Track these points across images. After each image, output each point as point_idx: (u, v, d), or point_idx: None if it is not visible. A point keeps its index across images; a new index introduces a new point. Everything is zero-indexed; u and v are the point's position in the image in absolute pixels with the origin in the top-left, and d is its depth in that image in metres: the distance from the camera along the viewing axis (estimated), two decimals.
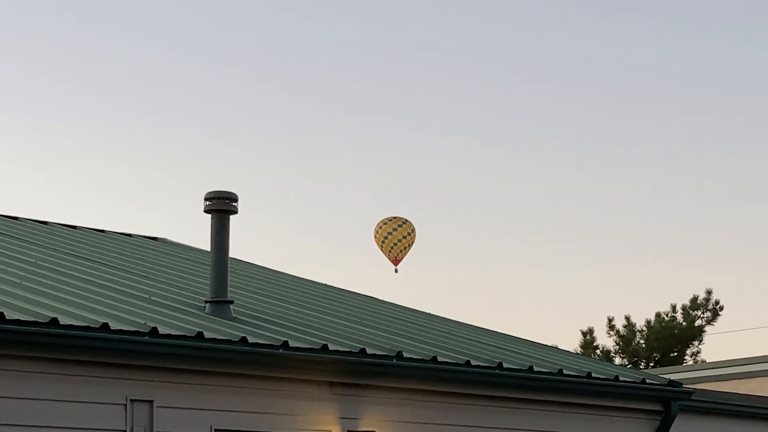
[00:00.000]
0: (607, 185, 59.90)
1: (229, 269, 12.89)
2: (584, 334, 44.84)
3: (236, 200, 12.93)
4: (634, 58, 60.05)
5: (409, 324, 15.76)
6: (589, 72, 59.43)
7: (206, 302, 12.81)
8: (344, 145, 59.75)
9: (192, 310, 12.57)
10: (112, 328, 10.30)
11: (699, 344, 44.20)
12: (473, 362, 13.01)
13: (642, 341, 44.11)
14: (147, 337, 10.46)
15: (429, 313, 17.79)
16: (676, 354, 43.94)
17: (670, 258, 58.98)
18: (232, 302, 12.82)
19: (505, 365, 13.27)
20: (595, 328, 44.92)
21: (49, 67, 55.13)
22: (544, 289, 59.39)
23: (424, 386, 12.63)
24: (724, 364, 24.42)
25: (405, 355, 12.40)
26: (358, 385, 12.08)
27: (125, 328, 10.44)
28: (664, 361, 43.02)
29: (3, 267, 13.10)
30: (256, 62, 58.02)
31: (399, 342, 13.49)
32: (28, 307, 10.51)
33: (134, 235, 19.53)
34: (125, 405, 10.47)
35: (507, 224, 60.35)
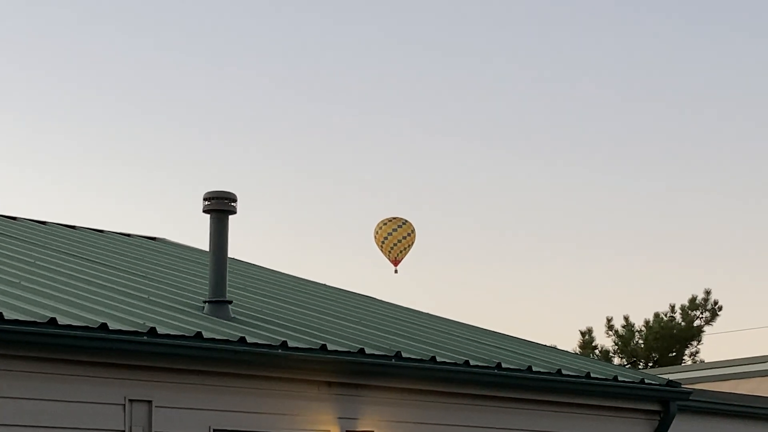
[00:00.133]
0: (606, 185, 59.94)
1: (227, 269, 12.89)
2: (583, 334, 44.85)
3: (235, 200, 12.94)
4: (633, 58, 60.09)
5: (407, 324, 15.76)
6: (588, 72, 59.46)
7: (205, 302, 12.81)
8: (344, 145, 59.79)
9: (191, 310, 12.57)
10: (110, 328, 10.30)
11: (698, 344, 44.24)
12: (472, 362, 13.01)
13: (641, 341, 44.11)
14: (146, 337, 10.46)
15: (428, 313, 17.79)
16: (674, 354, 43.94)
17: (669, 258, 59.03)
18: (230, 302, 12.82)
19: (503, 365, 13.27)
20: (593, 328, 44.96)
21: (48, 66, 55.14)
22: (542, 289, 59.43)
23: (422, 386, 12.63)
24: (723, 364, 24.42)
25: (404, 355, 12.40)
26: (356, 385, 12.08)
27: (124, 328, 10.44)
28: (662, 361, 43.03)
29: (2, 267, 13.09)
30: (255, 62, 58.04)
31: (398, 342, 13.49)
32: (26, 307, 10.50)
33: (133, 235, 19.53)
34: (124, 405, 10.47)
35: (506, 224, 60.38)
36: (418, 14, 57.58)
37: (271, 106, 58.72)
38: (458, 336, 15.64)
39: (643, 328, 44.23)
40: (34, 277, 12.65)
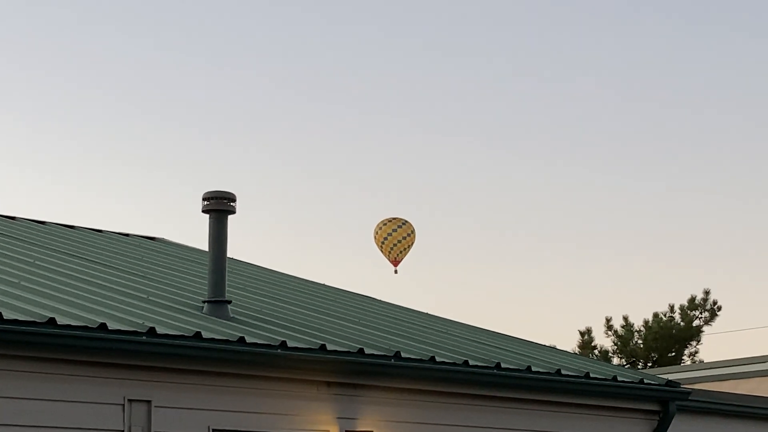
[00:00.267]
0: (606, 185, 59.94)
1: (227, 269, 12.89)
2: (582, 334, 44.85)
3: (234, 200, 12.94)
4: (633, 58, 60.09)
5: (407, 324, 15.76)
6: (588, 72, 59.46)
7: (204, 302, 12.81)
8: (344, 145, 59.78)
9: (190, 310, 12.57)
10: (109, 328, 10.29)
11: (697, 344, 44.24)
12: (471, 362, 13.01)
13: (640, 341, 44.11)
14: (145, 337, 10.45)
15: (427, 313, 17.79)
16: (674, 354, 43.94)
17: (668, 258, 59.03)
18: (230, 302, 12.82)
19: (503, 365, 13.27)
20: (593, 329, 44.97)
21: (48, 66, 55.13)
22: (542, 289, 59.43)
23: (422, 386, 12.63)
24: (722, 364, 24.42)
25: (403, 355, 12.39)
26: (355, 385, 12.08)
27: (123, 328, 10.44)
28: (662, 361, 43.03)
29: (1, 267, 13.09)
30: (255, 62, 58.03)
31: (397, 342, 13.49)
32: (25, 307, 10.50)
33: (132, 235, 19.52)
34: (123, 405, 10.47)
35: (505, 224, 60.38)
36: (418, 14, 57.60)
37: (271, 106, 58.75)
38: (457, 336, 15.64)
39: (642, 328, 44.24)
40: (34, 277, 12.65)
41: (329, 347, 11.78)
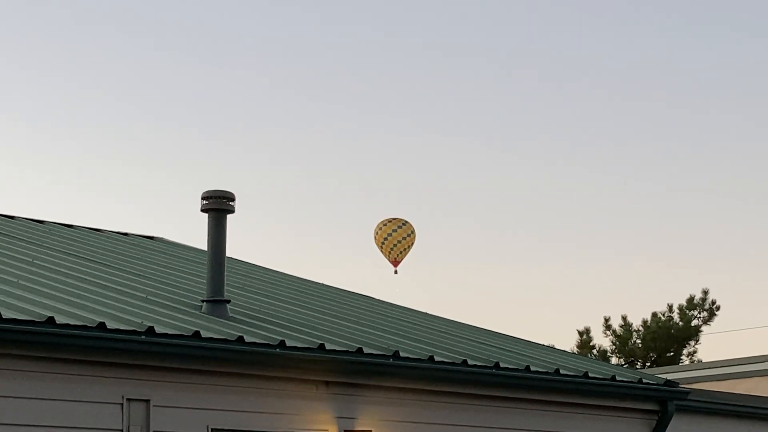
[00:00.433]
0: (605, 186, 59.95)
1: (225, 268, 12.88)
2: (581, 333, 44.85)
3: (233, 199, 12.93)
4: (633, 58, 60.09)
5: (405, 323, 15.76)
6: (587, 72, 59.46)
7: (203, 301, 12.80)
8: (344, 145, 59.77)
9: (189, 310, 12.56)
10: (108, 327, 10.29)
11: (695, 344, 44.24)
12: (470, 362, 13.01)
13: (638, 341, 44.11)
14: (144, 337, 10.45)
15: (426, 313, 17.79)
16: (672, 354, 43.94)
17: (667, 258, 59.03)
18: (228, 301, 12.82)
19: (501, 365, 13.27)
20: (591, 328, 44.96)
21: (47, 66, 55.11)
22: (540, 288, 59.44)
23: (420, 386, 12.63)
24: (721, 364, 24.43)
25: (402, 354, 12.39)
26: (354, 385, 12.08)
27: (122, 327, 10.44)
28: (660, 361, 43.03)
29: (0, 266, 13.08)
30: (254, 61, 58.02)
31: (396, 341, 13.49)
32: (24, 306, 10.50)
33: (131, 234, 19.52)
34: (122, 404, 10.46)
35: (505, 224, 60.38)
36: (418, 14, 57.59)
37: (271, 106, 58.74)
38: (456, 335, 15.64)
39: (640, 328, 44.24)
40: (32, 276, 12.64)
41: (328, 347, 11.78)
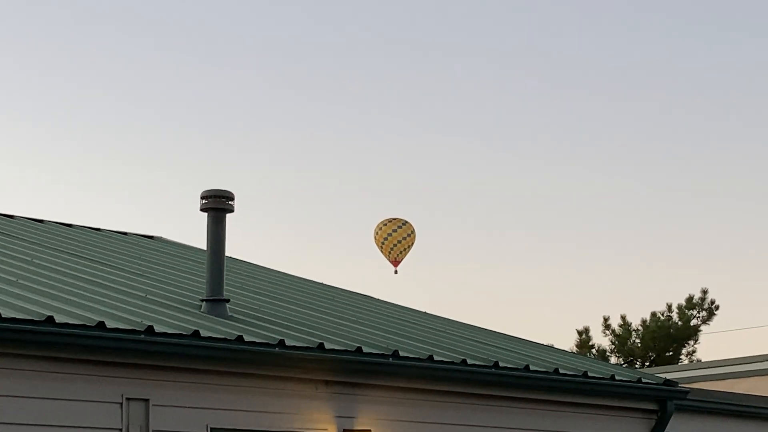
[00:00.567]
0: (604, 185, 59.96)
1: (225, 268, 12.89)
2: (580, 333, 44.86)
3: (232, 199, 12.94)
4: (631, 58, 60.09)
5: (405, 323, 15.76)
6: (587, 72, 59.47)
7: (202, 301, 12.81)
8: (343, 145, 59.76)
9: (188, 309, 12.57)
10: (108, 326, 10.29)
11: (694, 344, 44.25)
12: (469, 361, 13.01)
13: (638, 340, 44.12)
14: (143, 336, 10.46)
15: (425, 312, 17.79)
16: (671, 353, 43.96)
17: (666, 257, 59.04)
18: (228, 301, 12.82)
19: (501, 364, 13.27)
20: (590, 328, 44.98)
21: (46, 66, 55.11)
22: (540, 288, 59.44)
23: (420, 385, 12.63)
24: (720, 363, 24.43)
25: (401, 354, 12.40)
26: (354, 384, 12.08)
27: (121, 327, 10.44)
28: (659, 361, 43.04)
29: None
30: (253, 61, 58.02)
31: (395, 341, 13.49)
32: (24, 306, 10.50)
33: (130, 233, 19.52)
34: (121, 403, 10.47)
35: (504, 224, 60.38)
36: (418, 14, 57.60)
37: (270, 105, 58.75)
38: (456, 335, 15.64)
39: (640, 328, 44.25)
40: (32, 276, 12.65)
41: (327, 346, 11.78)
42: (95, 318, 10.47)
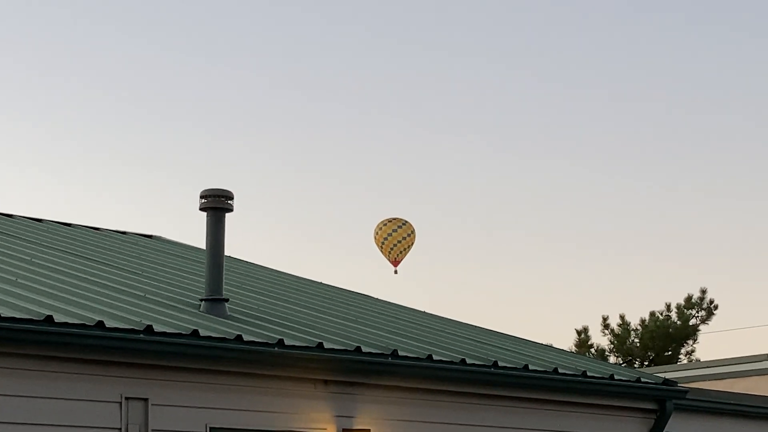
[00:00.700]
0: (603, 185, 59.96)
1: (224, 267, 12.89)
2: (579, 333, 44.87)
3: (231, 198, 12.94)
4: (633, 59, 60.10)
5: (404, 322, 15.76)
6: (586, 72, 59.48)
7: (201, 300, 12.81)
8: (343, 145, 59.76)
9: (187, 308, 12.57)
10: (107, 326, 10.29)
11: (693, 343, 44.26)
12: (468, 361, 13.02)
13: (637, 340, 44.14)
14: (142, 335, 10.46)
15: (424, 312, 17.79)
16: (670, 353, 43.98)
17: (665, 257, 59.05)
18: (227, 300, 12.82)
19: (500, 364, 13.28)
20: (590, 327, 44.99)
21: (45, 65, 55.10)
22: (539, 288, 59.44)
23: (419, 385, 12.63)
24: (719, 363, 24.43)
25: (400, 353, 12.40)
26: (353, 384, 12.08)
27: (120, 326, 10.44)
28: (658, 360, 43.06)
29: None
30: (253, 60, 58.01)
31: (394, 340, 13.49)
32: (23, 305, 10.50)
33: (129, 232, 19.51)
34: (120, 403, 10.47)
35: (503, 224, 60.39)
36: (418, 14, 57.60)
37: (270, 105, 58.74)
38: (455, 334, 15.64)
39: (639, 327, 44.26)
40: (31, 275, 12.65)
41: (326, 345, 11.78)
42: (94, 317, 10.47)
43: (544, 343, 18.13)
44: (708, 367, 24.54)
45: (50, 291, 11.79)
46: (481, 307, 57.22)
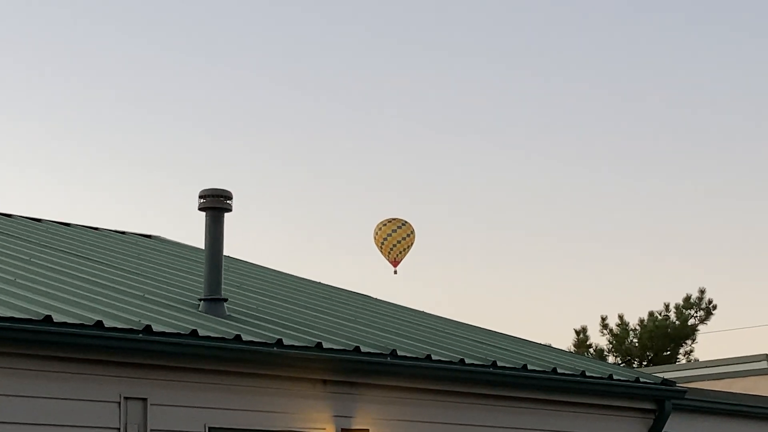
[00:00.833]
0: (602, 185, 59.98)
1: (223, 267, 12.88)
2: (578, 332, 44.89)
3: (230, 198, 12.94)
4: (633, 58, 60.11)
5: (403, 322, 15.77)
6: (586, 72, 59.49)
7: (200, 300, 12.81)
8: (343, 145, 59.75)
9: (186, 308, 12.57)
10: (106, 325, 10.29)
11: (692, 343, 44.29)
12: (467, 361, 13.02)
13: (635, 340, 44.15)
14: (141, 335, 10.45)
15: (423, 312, 17.79)
16: (669, 353, 43.99)
17: (664, 257, 59.08)
18: (226, 300, 12.82)
19: (499, 364, 13.28)
20: (588, 327, 45.00)
21: (45, 65, 55.10)
22: (538, 288, 59.46)
23: (418, 384, 12.63)
24: (718, 363, 24.44)
25: (399, 353, 12.40)
26: (352, 384, 12.08)
27: (119, 326, 10.44)
28: (657, 360, 43.07)
29: None
30: (253, 60, 58.02)
31: (393, 340, 13.49)
32: (22, 305, 10.50)
33: (128, 232, 19.51)
34: (119, 403, 10.47)
35: (502, 224, 60.40)
36: (418, 14, 57.60)
37: (270, 105, 58.73)
38: (453, 334, 15.65)
39: (637, 327, 44.28)
40: (30, 275, 12.65)
41: (325, 345, 11.78)
42: (93, 317, 10.47)
43: (542, 343, 18.14)
44: (707, 367, 24.55)
45: (49, 291, 11.79)
46: (480, 307, 57.26)
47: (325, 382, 11.89)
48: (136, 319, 10.86)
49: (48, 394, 10.09)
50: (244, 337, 11.24)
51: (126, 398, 10.50)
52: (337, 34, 57.86)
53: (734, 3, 57.50)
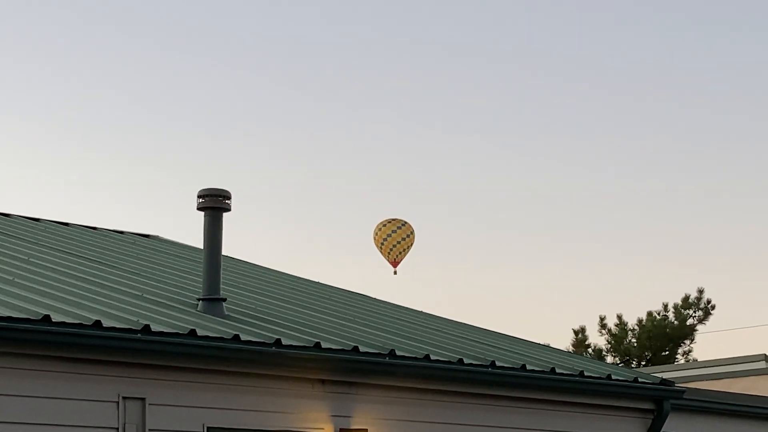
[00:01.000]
0: (601, 185, 59.99)
1: (221, 267, 12.88)
2: (576, 332, 44.89)
3: (229, 197, 12.94)
4: (633, 58, 60.12)
5: (402, 322, 15.77)
6: (586, 72, 59.49)
7: (199, 300, 12.80)
8: (343, 145, 59.75)
9: (184, 308, 12.56)
10: (104, 325, 10.29)
11: (691, 343, 44.30)
12: (466, 361, 13.02)
13: (634, 340, 44.16)
14: (139, 335, 10.45)
15: (422, 312, 17.80)
16: (667, 353, 44.00)
17: (662, 257, 59.08)
18: (224, 300, 12.82)
19: (497, 364, 13.28)
20: (587, 327, 45.01)
21: (44, 65, 55.09)
22: (536, 288, 59.47)
23: (416, 384, 12.63)
24: (716, 363, 24.45)
25: (398, 353, 12.40)
26: (350, 383, 12.08)
27: (117, 326, 10.44)
28: (655, 360, 43.08)
29: None
30: (252, 60, 58.01)
31: (392, 340, 13.49)
32: (20, 305, 10.49)
33: (127, 232, 19.51)
34: (117, 402, 10.46)
35: (502, 224, 60.40)
36: (418, 14, 57.60)
37: (269, 104, 58.73)
38: (452, 334, 15.65)
39: (636, 327, 44.29)
40: (28, 275, 12.64)
41: (324, 345, 11.78)
42: (92, 317, 10.46)
43: (541, 342, 18.14)
44: (705, 367, 24.56)
45: (48, 290, 11.79)
46: (479, 307, 57.26)
47: (323, 381, 11.89)
48: (135, 319, 10.86)
49: (46, 393, 10.09)
50: (243, 337, 11.24)
51: (124, 398, 10.50)
52: (337, 34, 57.87)
53: (734, 3, 57.53)
